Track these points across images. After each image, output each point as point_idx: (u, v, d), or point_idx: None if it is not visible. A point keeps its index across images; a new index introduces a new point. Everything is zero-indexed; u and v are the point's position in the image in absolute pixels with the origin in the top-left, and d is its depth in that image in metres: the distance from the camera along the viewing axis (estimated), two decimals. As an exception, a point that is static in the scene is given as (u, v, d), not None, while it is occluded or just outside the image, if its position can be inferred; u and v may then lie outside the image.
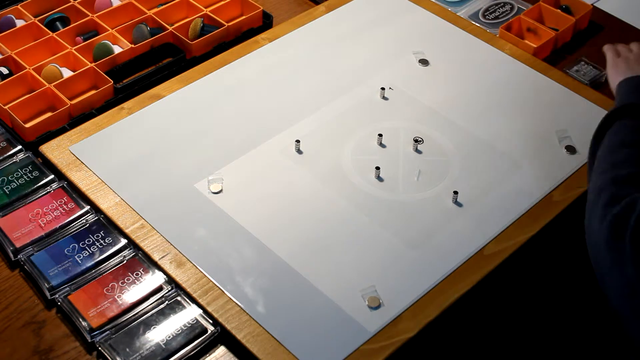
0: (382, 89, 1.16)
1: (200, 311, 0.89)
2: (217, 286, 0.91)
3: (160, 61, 1.23)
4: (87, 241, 0.96)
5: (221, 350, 0.88)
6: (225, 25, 1.26)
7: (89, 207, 1.00)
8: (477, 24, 1.30)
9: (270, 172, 1.04)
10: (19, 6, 1.27)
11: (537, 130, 1.11)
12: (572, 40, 1.29)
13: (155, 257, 0.94)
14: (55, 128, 1.10)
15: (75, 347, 0.88)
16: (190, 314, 0.89)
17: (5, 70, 1.17)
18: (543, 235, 1.00)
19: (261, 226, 0.97)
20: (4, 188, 1.01)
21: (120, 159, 1.05)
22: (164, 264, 0.93)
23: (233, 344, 0.88)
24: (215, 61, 1.21)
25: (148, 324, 0.88)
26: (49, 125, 1.10)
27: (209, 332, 0.88)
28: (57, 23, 1.25)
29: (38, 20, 1.24)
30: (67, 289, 0.91)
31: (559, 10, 1.30)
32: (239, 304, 0.90)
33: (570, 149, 1.08)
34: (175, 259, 0.94)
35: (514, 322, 1.16)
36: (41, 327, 0.90)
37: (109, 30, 1.24)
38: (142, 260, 0.94)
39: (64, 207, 0.99)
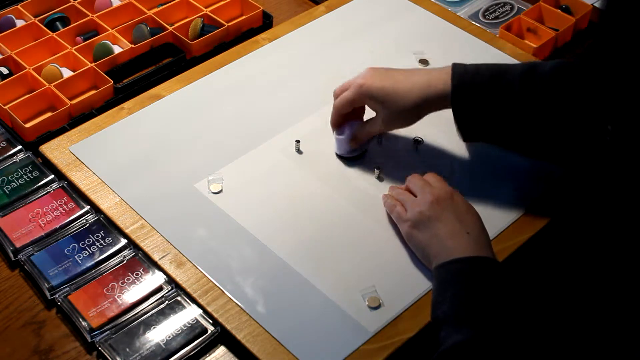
0: (382, 89, 1.16)
1: (200, 311, 0.89)
2: (217, 286, 0.91)
3: (160, 61, 1.23)
4: (87, 241, 0.96)
5: (221, 350, 0.88)
6: (225, 25, 1.26)
7: (89, 207, 1.00)
8: (477, 24, 1.30)
9: (271, 172, 1.04)
10: (19, 6, 1.27)
11: (537, 130, 1.11)
12: (572, 40, 1.29)
13: (155, 257, 0.94)
14: (55, 128, 1.10)
15: (75, 347, 0.88)
16: (190, 314, 0.89)
17: (5, 70, 1.17)
18: (543, 235, 1.00)
19: (261, 226, 0.97)
20: (4, 188, 1.01)
21: (120, 159, 1.05)
22: (164, 264, 0.93)
23: (233, 344, 0.88)
24: (215, 61, 1.21)
25: (148, 324, 0.88)
26: (49, 125, 1.10)
27: (209, 332, 0.88)
28: (57, 23, 1.25)
29: (38, 20, 1.24)
30: (67, 289, 0.91)
31: (559, 10, 1.30)
32: (239, 304, 0.90)
33: (570, 149, 1.08)
34: (175, 259, 0.94)
35: (528, 347, 1.15)
36: (41, 327, 0.90)
37: (109, 30, 1.24)
38: (142, 260, 0.94)
39: (64, 207, 0.99)
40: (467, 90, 0.96)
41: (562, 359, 1.17)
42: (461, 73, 0.96)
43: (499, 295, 0.84)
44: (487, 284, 0.84)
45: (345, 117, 1.04)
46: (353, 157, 1.06)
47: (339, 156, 1.06)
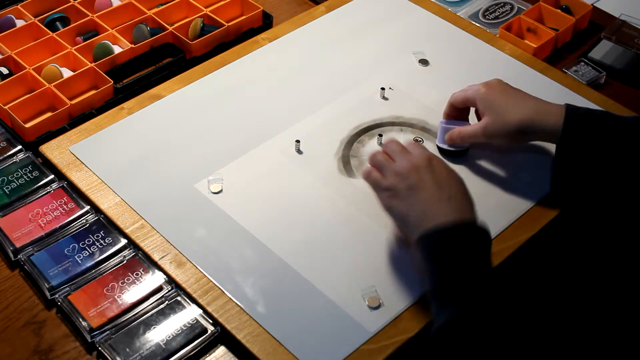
0: (382, 89, 1.16)
1: (200, 311, 0.89)
2: (217, 286, 0.91)
3: (160, 61, 1.23)
4: (87, 241, 0.96)
5: (221, 350, 0.88)
6: (225, 25, 1.26)
7: (89, 207, 1.00)
8: (477, 24, 1.30)
9: (271, 172, 1.04)
10: (19, 6, 1.27)
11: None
12: (572, 40, 1.29)
13: (155, 257, 0.94)
14: (55, 128, 1.10)
15: (75, 347, 0.88)
16: (190, 314, 0.89)
17: (5, 70, 1.17)
18: (543, 235, 1.00)
19: (261, 226, 0.97)
20: (4, 188, 1.01)
21: (120, 159, 1.05)
22: (164, 264, 0.93)
23: (233, 344, 0.88)
24: (215, 61, 1.21)
25: (148, 324, 0.88)
26: (49, 125, 1.10)
27: (209, 332, 0.88)
28: (57, 23, 1.25)
29: (38, 20, 1.24)
30: (67, 289, 0.91)
31: (559, 10, 1.30)
32: (239, 304, 0.90)
33: (570, 149, 1.08)
34: (175, 259, 0.94)
35: (513, 322, 1.16)
36: (41, 327, 0.90)
37: (109, 30, 1.24)
38: (142, 260, 0.94)
39: (64, 207, 0.99)
40: (578, 130, 0.94)
41: (562, 358, 1.17)
42: (574, 111, 0.96)
43: (483, 265, 0.82)
44: (469, 254, 0.82)
45: (459, 112, 1.06)
46: (450, 153, 1.05)
47: (440, 150, 1.06)
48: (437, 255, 0.83)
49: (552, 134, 0.97)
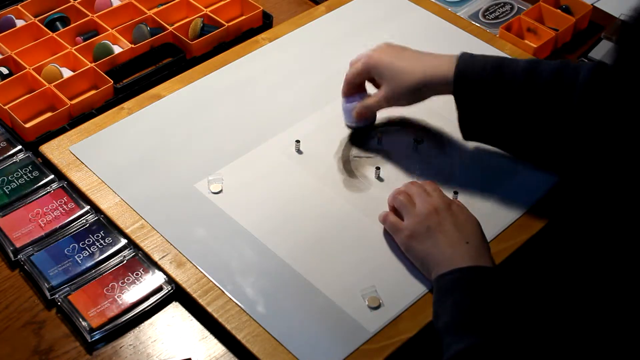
0: (382, 89, 1.16)
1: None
2: (217, 286, 0.91)
3: (160, 61, 1.23)
4: (87, 241, 0.96)
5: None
6: (225, 25, 1.26)
7: (89, 207, 1.00)
8: (477, 24, 1.30)
9: (271, 172, 1.04)
10: (19, 6, 1.27)
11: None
12: (572, 40, 1.29)
13: (155, 257, 0.94)
14: (55, 128, 1.10)
15: (75, 347, 0.88)
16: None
17: (5, 70, 1.17)
18: (543, 235, 0.99)
19: (261, 226, 0.97)
20: (4, 188, 1.01)
21: (120, 159, 1.05)
22: (164, 264, 0.93)
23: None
24: (215, 61, 1.21)
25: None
26: (49, 125, 1.10)
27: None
28: (57, 23, 1.25)
29: (38, 20, 1.24)
30: (67, 289, 0.91)
31: (559, 10, 1.30)
32: (239, 304, 0.90)
33: (570, 149, 1.08)
34: (175, 259, 0.94)
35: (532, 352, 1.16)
36: (41, 327, 0.90)
37: (109, 30, 1.24)
38: (142, 260, 0.94)
39: (64, 207, 0.99)
40: (470, 75, 0.97)
41: (562, 358, 1.17)
42: (466, 59, 0.98)
43: (500, 302, 0.84)
44: (487, 292, 0.84)
45: (357, 88, 1.07)
46: (359, 127, 1.09)
47: (348, 126, 1.09)
48: (454, 290, 0.85)
49: (447, 88, 0.99)
